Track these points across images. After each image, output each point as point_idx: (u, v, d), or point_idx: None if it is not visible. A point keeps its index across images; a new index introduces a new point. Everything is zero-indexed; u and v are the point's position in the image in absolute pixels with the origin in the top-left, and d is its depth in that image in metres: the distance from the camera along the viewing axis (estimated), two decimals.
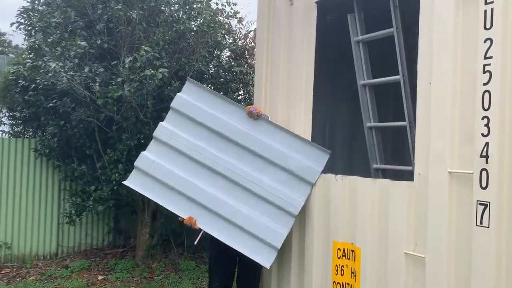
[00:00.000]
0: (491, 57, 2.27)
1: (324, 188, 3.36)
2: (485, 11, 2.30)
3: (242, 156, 3.47)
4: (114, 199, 5.82)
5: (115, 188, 5.57)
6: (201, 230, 3.43)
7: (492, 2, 2.27)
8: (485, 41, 2.30)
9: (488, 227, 2.25)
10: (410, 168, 3.33)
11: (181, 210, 3.44)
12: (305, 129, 3.59)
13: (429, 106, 2.61)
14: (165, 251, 6.77)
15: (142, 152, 3.63)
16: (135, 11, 4.76)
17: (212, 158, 3.48)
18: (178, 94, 3.70)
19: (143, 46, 4.58)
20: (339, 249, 3.22)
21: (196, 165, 3.49)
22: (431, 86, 2.60)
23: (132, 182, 3.55)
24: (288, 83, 3.81)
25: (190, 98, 3.63)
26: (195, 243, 3.45)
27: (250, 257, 3.30)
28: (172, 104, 3.67)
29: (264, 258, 3.31)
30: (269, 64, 4.07)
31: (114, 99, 4.90)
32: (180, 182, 3.44)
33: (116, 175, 5.47)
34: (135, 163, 3.59)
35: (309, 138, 3.55)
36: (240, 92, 6.61)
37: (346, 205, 3.17)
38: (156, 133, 3.67)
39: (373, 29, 3.40)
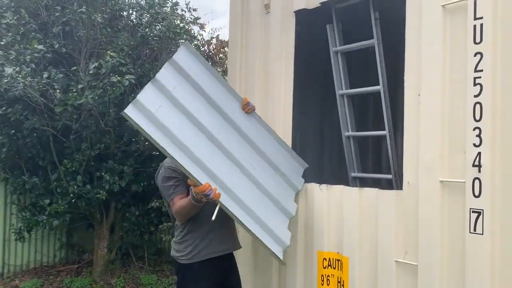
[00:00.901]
0: (481, 70, 2.36)
1: (307, 198, 3.34)
2: (475, 26, 2.40)
3: (241, 142, 3.10)
4: (71, 212, 5.47)
5: (73, 201, 5.24)
6: (215, 210, 2.62)
7: (482, 18, 2.37)
8: (475, 55, 2.39)
9: (482, 234, 2.33)
10: (389, 176, 3.42)
11: (196, 173, 2.59)
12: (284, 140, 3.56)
13: (418, 116, 2.67)
14: (125, 265, 6.47)
15: (148, 86, 2.65)
16: (100, 15, 4.52)
17: (217, 131, 2.87)
18: (179, 50, 2.98)
19: (108, 52, 4.36)
20: (324, 259, 3.21)
21: (203, 135, 2.80)
22: (420, 98, 2.66)
23: (134, 115, 2.42)
24: (265, 95, 3.77)
25: (190, 60, 2.98)
26: (213, 219, 2.55)
27: (270, 247, 2.81)
28: (175, 57, 2.88)
29: (278, 252, 2.88)
30: (243, 76, 4.02)
31: (74, 107, 4.62)
32: (193, 143, 2.63)
33: (75, 187, 5.15)
34: (138, 97, 2.50)
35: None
36: None
37: (332, 214, 3.17)
38: (160, 76, 2.72)
39: (353, 39, 3.45)
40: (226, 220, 2.86)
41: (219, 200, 2.60)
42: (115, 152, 5.55)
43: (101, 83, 4.48)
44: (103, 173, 5.32)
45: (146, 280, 6.06)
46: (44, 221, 5.37)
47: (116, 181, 5.31)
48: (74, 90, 4.50)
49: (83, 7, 4.53)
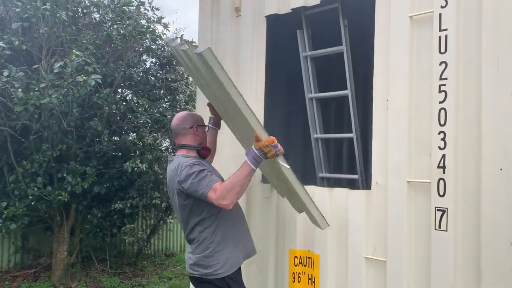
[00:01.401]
0: (446, 79, 2.54)
1: (279, 198, 3.43)
2: (440, 37, 2.57)
3: None
4: (29, 215, 5.29)
5: (32, 203, 5.06)
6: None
7: (446, 29, 2.55)
8: (440, 64, 2.57)
9: (446, 231, 2.51)
10: (354, 176, 3.57)
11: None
12: None
13: (386, 120, 2.83)
14: (86, 268, 6.32)
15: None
16: (64, 12, 4.41)
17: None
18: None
19: (73, 51, 4.25)
20: (296, 256, 3.32)
21: None
22: (388, 103, 2.82)
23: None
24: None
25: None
26: (288, 167, 2.54)
27: (318, 218, 2.83)
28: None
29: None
30: None
31: (36, 106, 4.47)
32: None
33: (35, 189, 4.98)
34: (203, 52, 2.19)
35: None
36: (165, 99, 6.45)
37: (303, 214, 3.28)
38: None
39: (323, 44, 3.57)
40: (246, 222, 2.94)
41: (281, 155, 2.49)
42: (77, 153, 5.42)
43: (65, 83, 4.36)
44: (64, 175, 5.19)
45: (108, 283, 5.96)
46: (0, 224, 5.16)
47: (78, 182, 5.19)
48: (36, 89, 4.36)
49: (47, 4, 4.39)
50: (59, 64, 4.26)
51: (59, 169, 5.32)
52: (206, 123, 3.13)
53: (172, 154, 2.77)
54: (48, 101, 4.31)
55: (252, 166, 2.47)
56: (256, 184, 3.60)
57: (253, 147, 2.48)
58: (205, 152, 2.83)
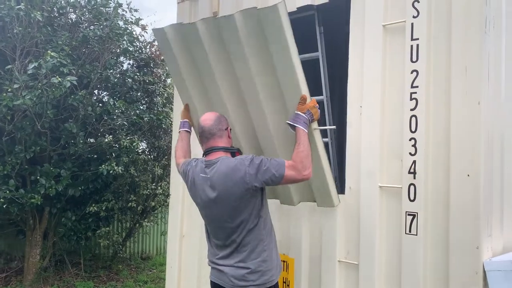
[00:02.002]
0: (417, 87, 2.61)
1: None
2: (411, 46, 2.65)
3: None
4: (1, 218, 5.18)
5: (4, 206, 4.95)
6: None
7: (418, 39, 2.62)
8: (411, 72, 2.64)
9: (416, 235, 2.57)
10: None
11: None
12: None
13: (359, 126, 2.89)
14: (59, 272, 6.21)
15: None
16: (39, 13, 4.34)
17: None
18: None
19: (48, 52, 4.19)
20: None
21: None
22: (361, 109, 2.88)
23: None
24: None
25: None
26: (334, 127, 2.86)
27: (333, 193, 2.88)
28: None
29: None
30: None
31: (9, 108, 4.39)
32: None
33: (7, 192, 4.88)
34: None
35: None
36: (142, 101, 6.40)
37: (279, 218, 3.31)
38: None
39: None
40: None
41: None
42: (52, 155, 5.33)
43: (39, 84, 4.30)
44: (38, 177, 5.09)
45: (82, 287, 5.87)
46: None
47: (52, 185, 5.10)
48: (9, 90, 4.28)
49: (21, 3, 4.32)
50: (33, 65, 4.19)
51: (32, 171, 5.22)
52: (181, 128, 3.11)
53: (203, 157, 2.45)
54: (21, 102, 4.23)
55: (305, 130, 2.42)
56: None
57: (299, 111, 2.47)
58: (238, 155, 2.59)
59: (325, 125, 3.47)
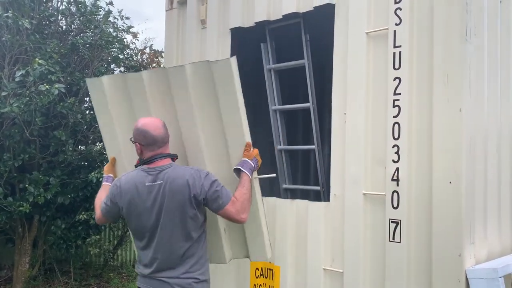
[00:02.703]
0: (399, 94, 2.62)
1: None
2: (394, 54, 2.66)
3: None
4: None
5: None
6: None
7: (400, 46, 2.63)
8: (394, 79, 2.65)
9: (400, 242, 2.56)
10: (317, 187, 3.61)
11: None
12: None
13: (343, 133, 2.89)
14: (48, 281, 6.15)
15: None
16: (27, 20, 4.34)
17: None
18: None
19: (36, 59, 4.19)
20: (257, 268, 3.33)
21: None
22: (345, 116, 2.88)
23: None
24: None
25: None
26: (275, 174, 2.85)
27: (267, 244, 2.86)
28: None
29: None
30: None
31: None
32: None
33: None
34: None
35: None
36: None
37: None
38: None
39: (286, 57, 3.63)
40: None
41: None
42: (40, 162, 5.30)
43: (27, 91, 4.28)
44: (26, 185, 5.05)
45: None
46: None
47: (41, 193, 5.06)
48: None
49: (9, 11, 4.32)
50: (20, 73, 4.18)
51: (21, 179, 5.18)
52: (105, 181, 2.95)
53: (143, 166, 2.37)
54: (9, 110, 4.21)
55: (251, 177, 2.51)
56: None
57: (246, 158, 2.55)
58: (176, 160, 2.63)
59: (313, 132, 3.48)
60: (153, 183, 2.40)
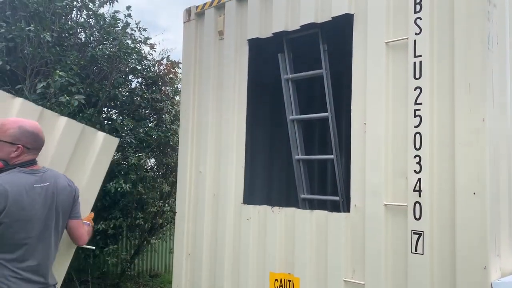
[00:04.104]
0: (421, 103, 2.59)
1: (260, 220, 3.43)
2: (414, 63, 2.64)
3: None
4: None
5: None
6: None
7: (421, 56, 2.61)
8: (415, 89, 2.62)
9: (423, 254, 2.52)
10: (336, 198, 3.58)
11: None
12: (237, 168, 3.64)
13: (363, 143, 2.87)
14: None
15: None
16: (48, 33, 4.42)
17: None
18: None
19: (57, 71, 4.26)
20: (276, 279, 3.30)
21: None
22: (365, 126, 2.86)
23: None
24: (219, 119, 3.86)
25: None
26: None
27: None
28: None
29: None
30: (196, 100, 4.09)
31: None
32: None
33: None
34: None
35: (241, 179, 3.62)
36: (151, 119, 6.45)
37: (284, 236, 3.28)
38: None
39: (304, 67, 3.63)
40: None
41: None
42: None
43: (48, 103, 4.35)
44: None
45: None
46: None
47: None
48: None
49: (31, 25, 4.41)
50: (42, 85, 4.25)
51: None
52: None
53: (25, 168, 2.44)
54: None
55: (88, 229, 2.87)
56: (238, 205, 3.60)
57: (84, 220, 2.87)
58: None
59: (332, 141, 3.46)
60: (42, 184, 2.45)
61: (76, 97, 4.34)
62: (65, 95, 4.28)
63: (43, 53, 4.63)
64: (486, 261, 2.32)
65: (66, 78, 4.34)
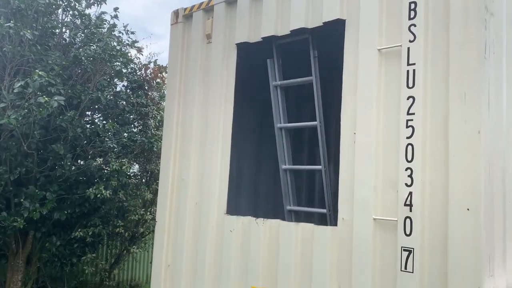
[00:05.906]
0: (413, 113, 2.48)
1: (243, 232, 3.27)
2: (408, 71, 2.53)
3: None
4: None
5: None
6: None
7: (414, 64, 2.50)
8: (407, 98, 2.51)
9: (412, 272, 2.39)
10: (323, 210, 3.45)
11: None
12: (221, 176, 3.49)
13: (353, 153, 2.74)
14: None
15: None
16: (29, 31, 4.25)
17: None
18: None
19: (36, 71, 4.08)
20: None
21: None
22: (355, 136, 2.73)
23: None
24: (205, 124, 3.71)
25: None
26: None
27: None
28: None
29: None
30: (182, 105, 3.95)
31: None
32: None
33: None
34: None
35: (225, 188, 3.46)
36: (135, 124, 6.27)
37: (266, 248, 3.13)
38: None
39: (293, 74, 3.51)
40: None
41: None
42: (38, 177, 5.15)
43: (26, 103, 4.17)
44: (22, 199, 4.90)
45: None
46: None
47: (36, 208, 4.90)
48: None
49: (11, 21, 4.23)
50: (19, 84, 4.07)
51: (16, 193, 5.03)
52: None
53: None
54: (6, 122, 4.09)
55: None
56: (221, 216, 3.44)
57: None
58: None
59: (320, 152, 3.34)
60: None
61: (56, 98, 4.16)
62: (44, 96, 4.10)
63: (23, 52, 4.46)
64: (480, 282, 2.20)
65: (46, 78, 4.17)
